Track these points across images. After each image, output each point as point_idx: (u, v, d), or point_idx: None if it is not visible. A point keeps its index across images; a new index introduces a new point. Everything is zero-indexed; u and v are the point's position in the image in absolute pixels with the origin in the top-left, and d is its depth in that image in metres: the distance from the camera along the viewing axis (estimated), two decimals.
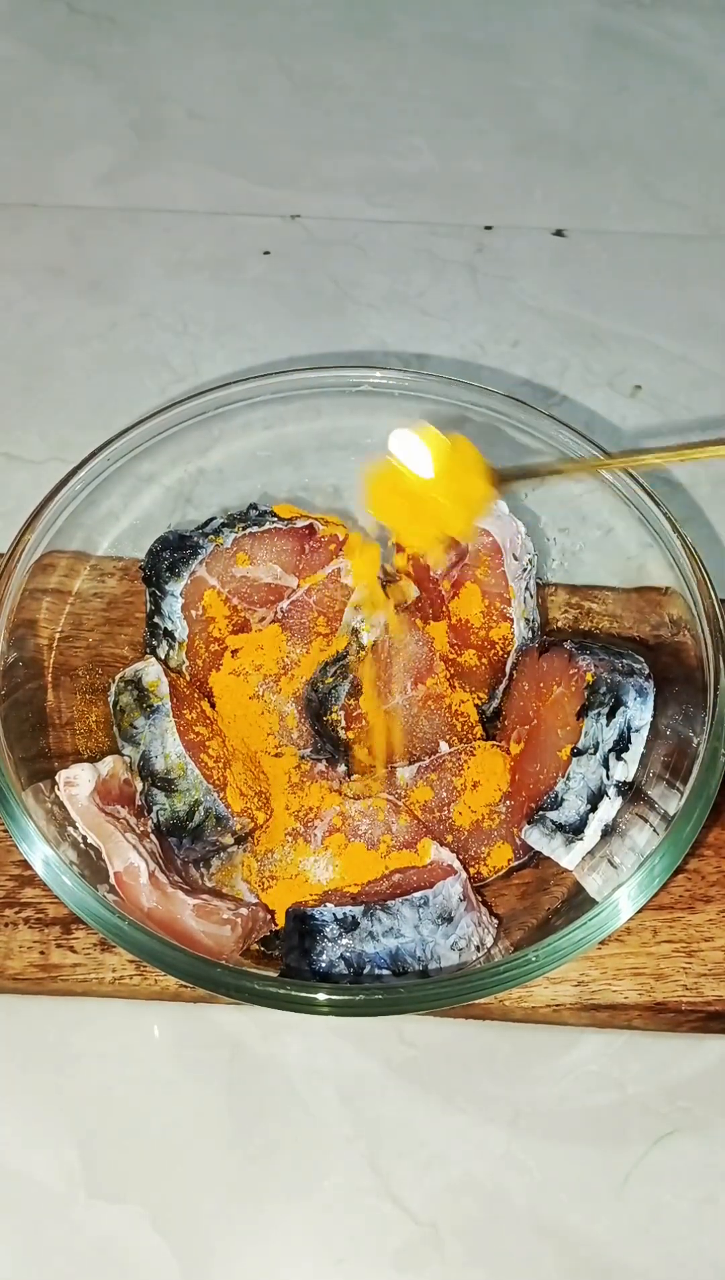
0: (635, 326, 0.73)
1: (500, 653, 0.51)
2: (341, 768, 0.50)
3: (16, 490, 0.64)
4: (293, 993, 0.39)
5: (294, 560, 0.52)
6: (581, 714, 0.45)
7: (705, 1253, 0.44)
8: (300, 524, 0.51)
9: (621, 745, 0.44)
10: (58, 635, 0.50)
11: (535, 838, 0.46)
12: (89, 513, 0.50)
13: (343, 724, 0.49)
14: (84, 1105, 0.46)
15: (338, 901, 0.44)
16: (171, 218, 0.78)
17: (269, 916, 0.46)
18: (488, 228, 0.78)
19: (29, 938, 0.48)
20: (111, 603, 0.54)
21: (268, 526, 0.51)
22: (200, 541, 0.50)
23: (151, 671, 0.48)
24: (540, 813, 0.46)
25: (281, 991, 0.39)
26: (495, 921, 0.46)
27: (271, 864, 0.47)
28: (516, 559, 0.51)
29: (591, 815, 0.45)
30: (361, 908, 0.43)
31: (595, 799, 0.45)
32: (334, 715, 0.48)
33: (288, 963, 0.44)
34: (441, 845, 0.46)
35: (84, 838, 0.44)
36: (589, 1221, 0.44)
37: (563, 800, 0.45)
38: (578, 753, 0.45)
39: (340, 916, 0.43)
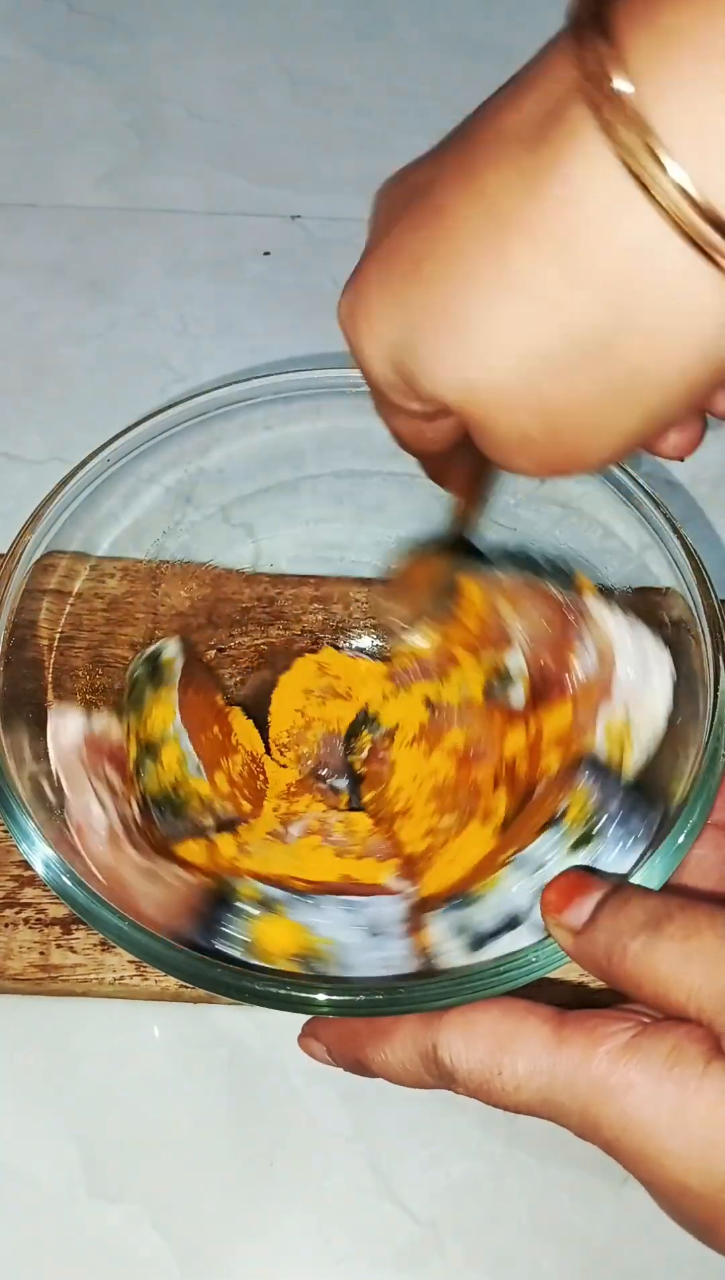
0: None
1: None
2: (343, 794, 0.49)
3: (16, 490, 0.64)
4: (292, 993, 0.39)
5: None
6: (545, 826, 0.41)
7: (705, 1253, 0.44)
8: None
9: None
10: (58, 636, 0.50)
11: (438, 928, 0.41)
12: (89, 513, 0.50)
13: (363, 757, 0.47)
14: (84, 1105, 0.46)
15: (267, 882, 0.43)
16: (171, 218, 0.78)
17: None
18: None
19: (29, 938, 0.48)
20: (112, 603, 0.54)
21: None
22: None
23: (170, 648, 0.48)
24: (451, 906, 0.41)
25: (281, 991, 0.39)
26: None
27: (245, 855, 0.47)
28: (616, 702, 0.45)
29: (493, 938, 0.40)
30: (286, 892, 0.42)
31: (512, 923, 0.40)
32: (362, 739, 0.47)
33: (188, 935, 0.41)
34: (409, 876, 0.45)
35: (56, 776, 0.43)
36: (589, 1221, 0.44)
37: (476, 901, 0.40)
38: (516, 863, 0.41)
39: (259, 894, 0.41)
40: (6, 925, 0.48)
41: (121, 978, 0.47)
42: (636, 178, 0.23)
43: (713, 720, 0.43)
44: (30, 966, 0.47)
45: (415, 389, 0.30)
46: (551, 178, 0.25)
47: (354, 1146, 0.46)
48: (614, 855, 0.40)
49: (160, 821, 0.47)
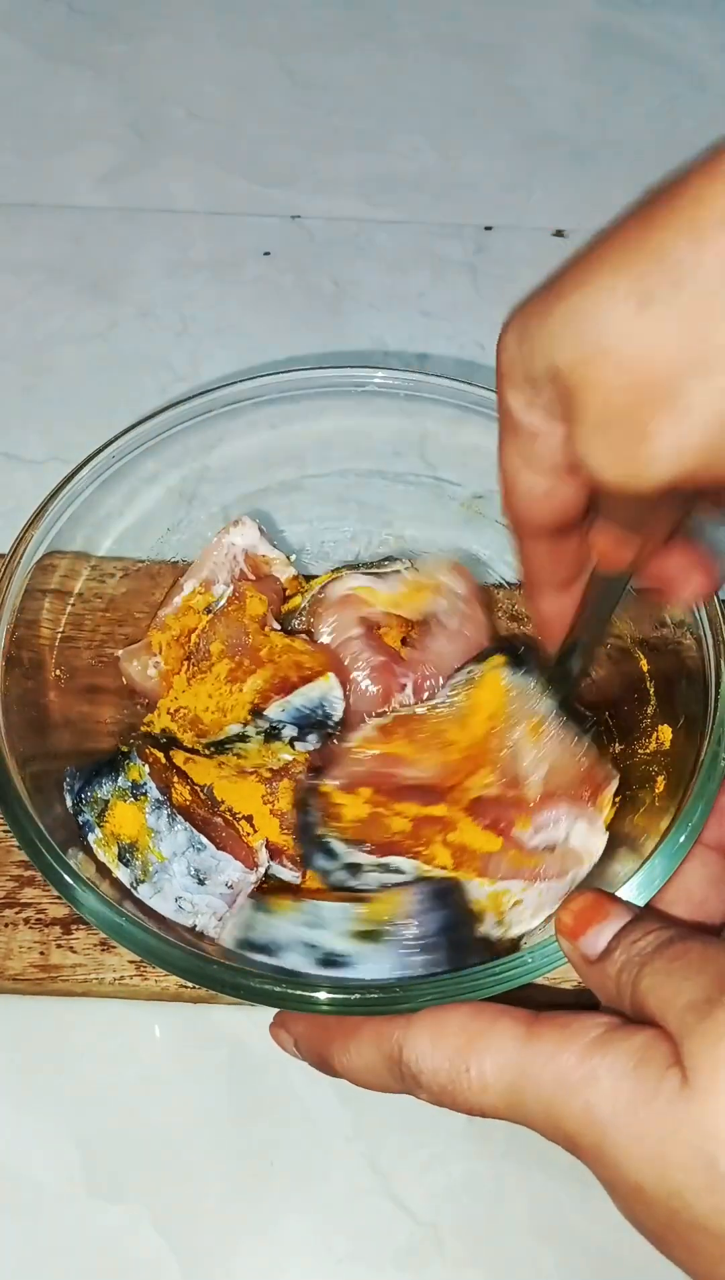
0: None
1: None
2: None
3: (16, 490, 0.64)
4: (291, 991, 0.39)
5: None
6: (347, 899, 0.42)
7: None
8: None
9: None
10: (59, 635, 0.50)
11: (238, 917, 0.43)
12: (90, 513, 0.50)
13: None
14: (84, 1105, 0.46)
15: (160, 776, 0.45)
16: (171, 218, 0.78)
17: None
18: (488, 228, 0.78)
19: (29, 938, 0.48)
20: (112, 603, 0.54)
21: None
22: None
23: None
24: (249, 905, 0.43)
25: (280, 990, 0.39)
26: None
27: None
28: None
29: (260, 951, 0.41)
30: (161, 793, 0.43)
31: (269, 948, 0.41)
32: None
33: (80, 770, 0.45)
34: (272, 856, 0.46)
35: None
36: (589, 1221, 0.44)
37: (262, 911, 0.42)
38: (305, 909, 0.42)
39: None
40: (6, 925, 0.48)
41: (121, 978, 0.47)
42: None
43: (713, 721, 0.43)
44: (30, 966, 0.47)
45: None
46: None
47: (354, 1146, 0.46)
48: (371, 967, 0.40)
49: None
